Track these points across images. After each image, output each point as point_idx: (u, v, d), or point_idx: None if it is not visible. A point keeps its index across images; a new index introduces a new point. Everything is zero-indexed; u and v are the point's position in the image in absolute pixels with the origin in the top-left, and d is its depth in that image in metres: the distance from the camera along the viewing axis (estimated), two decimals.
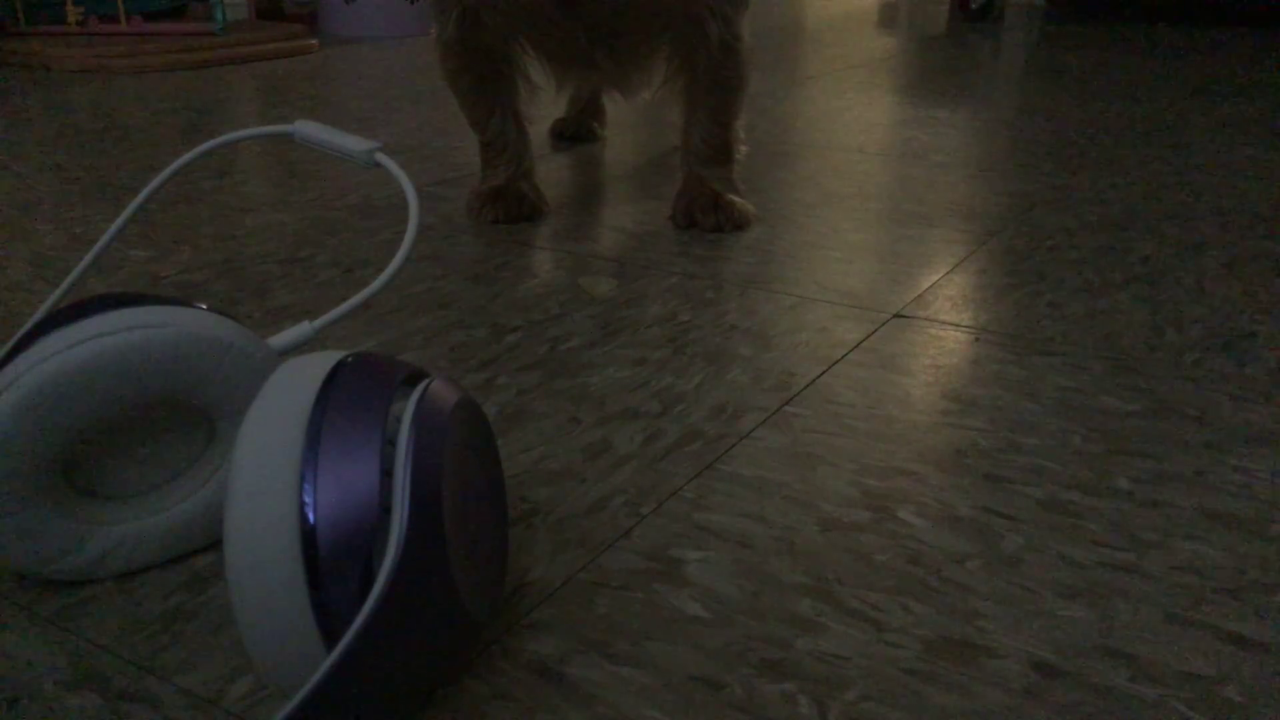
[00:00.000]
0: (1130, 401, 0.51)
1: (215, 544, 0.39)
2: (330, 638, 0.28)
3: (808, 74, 1.54)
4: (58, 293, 0.43)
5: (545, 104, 0.94)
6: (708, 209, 0.78)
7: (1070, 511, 0.42)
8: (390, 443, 0.31)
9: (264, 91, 1.40)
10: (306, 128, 0.45)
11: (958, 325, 0.61)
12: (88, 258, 0.43)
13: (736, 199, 0.80)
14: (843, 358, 0.56)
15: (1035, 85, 1.47)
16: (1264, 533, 0.40)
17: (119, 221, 0.44)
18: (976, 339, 0.59)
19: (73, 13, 1.64)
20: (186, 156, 0.45)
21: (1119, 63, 1.64)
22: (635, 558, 0.39)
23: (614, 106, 1.11)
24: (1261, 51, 1.75)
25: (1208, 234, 0.77)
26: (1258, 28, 2.02)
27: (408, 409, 0.31)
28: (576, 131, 1.09)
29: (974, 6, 2.18)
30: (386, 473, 0.30)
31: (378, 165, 0.44)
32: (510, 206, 0.80)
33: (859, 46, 1.86)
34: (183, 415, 0.38)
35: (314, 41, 1.73)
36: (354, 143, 0.44)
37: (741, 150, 0.84)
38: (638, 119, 1.16)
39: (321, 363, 0.33)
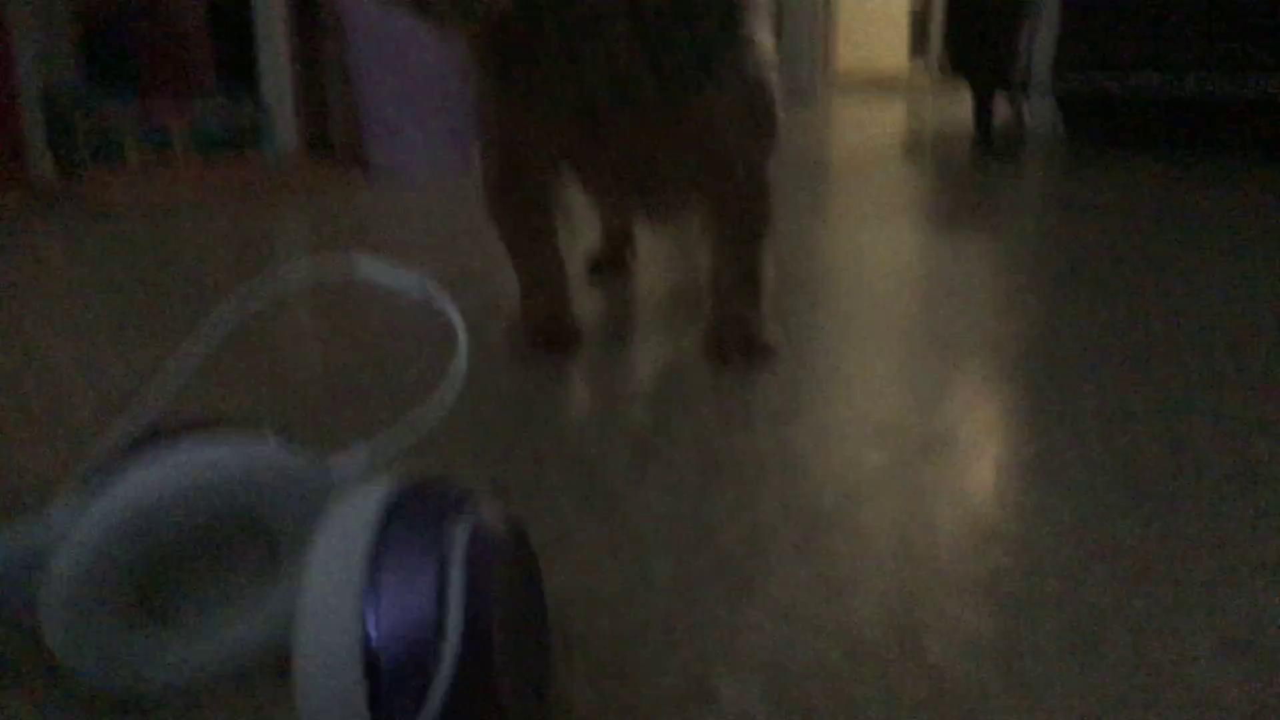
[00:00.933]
0: (1146, 531, 0.53)
1: (277, 665, 0.41)
2: None
3: (833, 206, 1.60)
4: (127, 421, 0.46)
5: (581, 237, 0.99)
6: (738, 342, 0.82)
7: (1091, 640, 0.43)
8: (445, 563, 0.33)
9: (314, 224, 1.46)
10: (364, 263, 0.49)
11: (980, 454, 0.63)
12: (151, 391, 0.47)
13: (765, 330, 0.83)
14: (869, 486, 0.58)
15: (1056, 216, 1.51)
16: (1278, 661, 0.42)
17: (180, 357, 0.48)
18: (1000, 468, 0.61)
19: (133, 151, 1.73)
20: (249, 293, 0.49)
21: (1140, 193, 1.69)
22: (672, 683, 0.40)
23: (647, 239, 1.16)
24: None
25: (1226, 364, 0.79)
26: None
27: (460, 530, 0.34)
28: (610, 264, 1.14)
29: (996, 139, 2.25)
30: (442, 593, 0.32)
31: (430, 300, 0.48)
32: (549, 336, 0.84)
33: (883, 179, 1.93)
34: (248, 538, 0.40)
35: (361, 176, 1.82)
36: (406, 278, 0.48)
37: (769, 283, 0.88)
38: (669, 253, 1.20)
39: (380, 488, 0.36)
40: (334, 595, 0.32)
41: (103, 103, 1.80)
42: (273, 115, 1.80)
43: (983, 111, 2.54)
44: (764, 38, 0.76)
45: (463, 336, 0.44)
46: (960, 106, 3.36)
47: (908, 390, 0.75)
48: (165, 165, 1.74)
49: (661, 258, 1.19)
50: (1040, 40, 2.30)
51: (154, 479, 0.37)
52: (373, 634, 0.32)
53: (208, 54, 2.16)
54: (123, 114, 1.75)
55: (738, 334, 0.82)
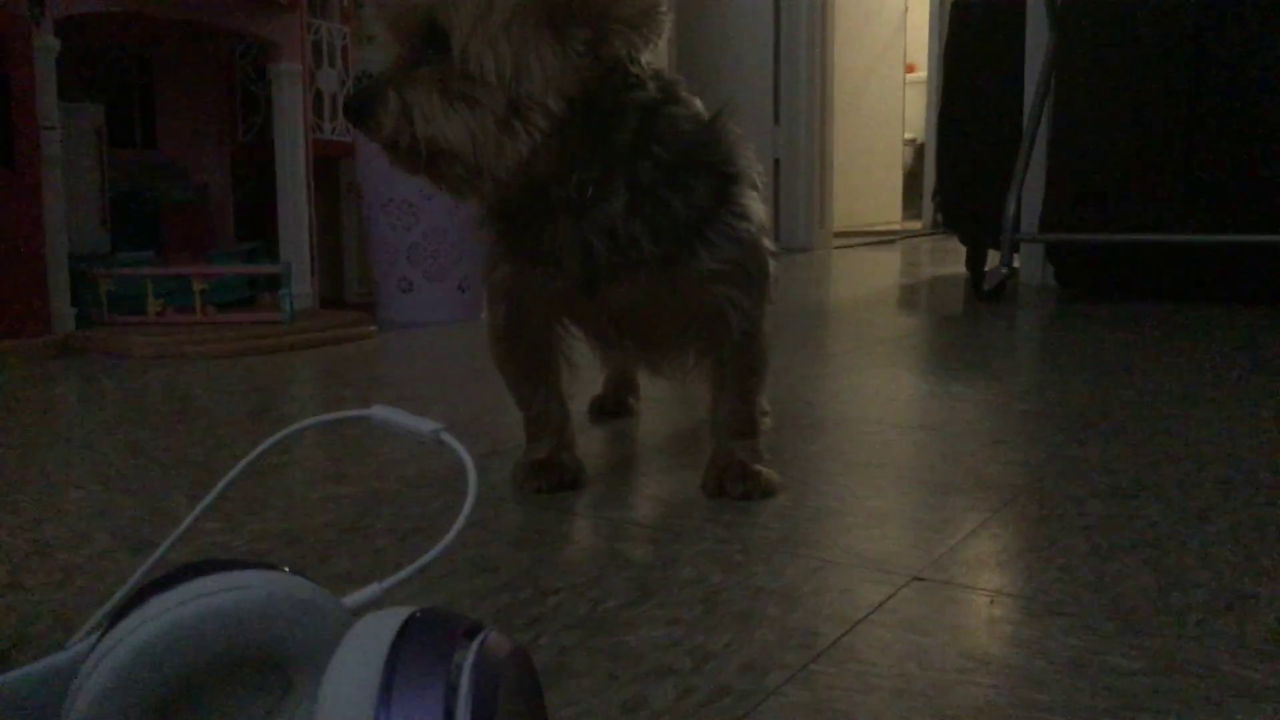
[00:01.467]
0: (1137, 660, 0.54)
1: None
2: None
3: (831, 351, 1.64)
4: (153, 558, 0.48)
5: (585, 382, 1.02)
6: (736, 479, 0.84)
7: None
8: (453, 689, 0.35)
9: (327, 374, 1.51)
10: (381, 412, 0.52)
11: (974, 588, 0.65)
12: (176, 532, 0.49)
13: (763, 469, 0.85)
14: (865, 618, 0.60)
15: (1047, 361, 1.55)
16: None
17: (206, 500, 0.50)
18: (991, 601, 0.62)
19: (152, 305, 1.79)
20: (274, 438, 0.52)
21: (1131, 339, 1.73)
22: None
23: (648, 383, 1.19)
24: (1273, 327, 1.84)
25: (1212, 502, 0.81)
26: (1271, 305, 2.12)
27: (468, 659, 0.36)
28: (613, 407, 1.17)
29: (988, 288, 2.31)
30: (450, 715, 0.34)
31: (442, 444, 0.50)
32: (553, 477, 0.87)
33: (880, 325, 1.98)
34: (263, 669, 0.42)
35: (373, 328, 1.88)
36: (421, 424, 0.51)
37: (766, 424, 0.91)
38: (670, 395, 1.24)
39: (393, 618, 0.38)
40: (348, 715, 0.34)
41: (125, 258, 1.87)
42: (289, 270, 1.87)
43: (975, 262, 2.62)
44: (755, 203, 0.81)
45: (473, 479, 0.47)
46: (952, 257, 3.46)
47: (903, 526, 0.77)
48: (183, 317, 1.80)
49: (663, 400, 1.22)
50: (1028, 195, 2.40)
51: (176, 610, 0.39)
52: None
53: (229, 212, 2.26)
54: (143, 268, 1.81)
55: (737, 472, 0.84)
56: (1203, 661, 0.54)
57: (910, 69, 5.72)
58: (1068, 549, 0.71)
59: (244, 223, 2.29)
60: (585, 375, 0.96)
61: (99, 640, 0.39)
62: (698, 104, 0.80)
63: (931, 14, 5.10)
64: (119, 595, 0.44)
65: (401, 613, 0.38)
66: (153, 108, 2.19)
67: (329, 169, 2.33)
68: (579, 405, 1.17)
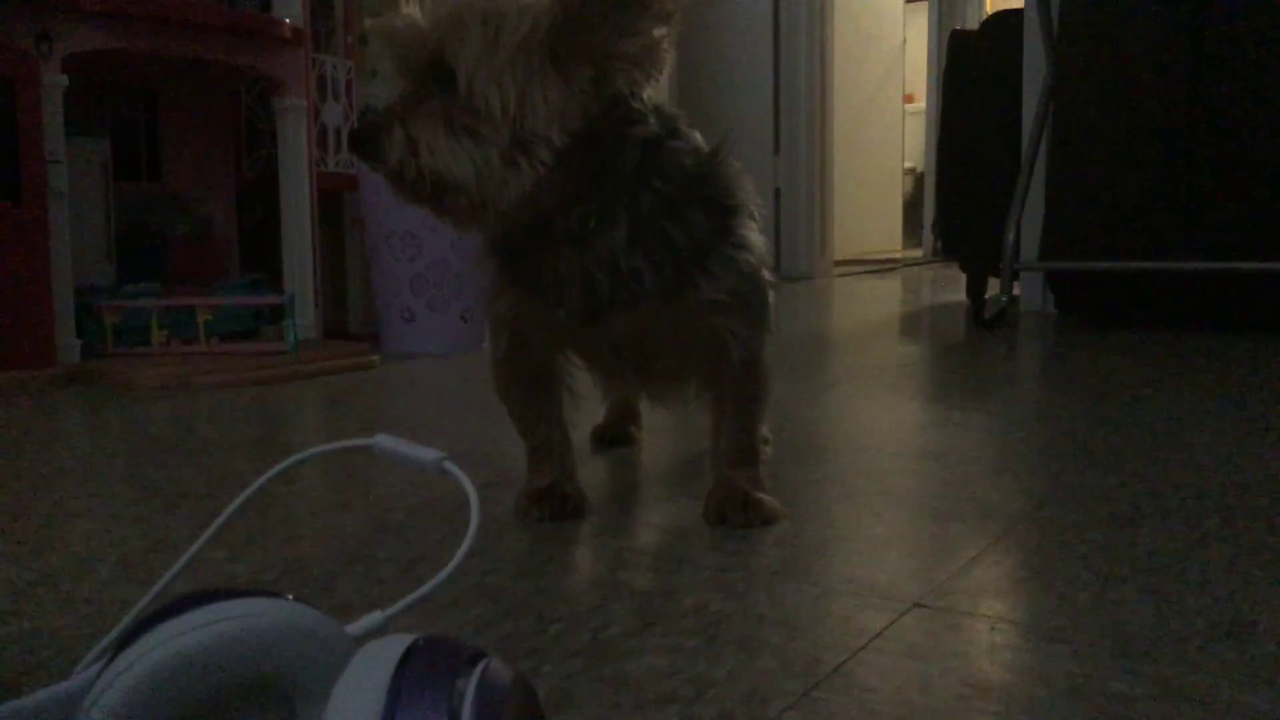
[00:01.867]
0: (1136, 686, 0.54)
1: None
2: None
3: (832, 379, 1.65)
4: (157, 588, 0.49)
5: (587, 411, 1.03)
6: (737, 507, 0.84)
7: None
8: (455, 716, 0.35)
9: (330, 404, 1.51)
10: (384, 441, 0.52)
11: (975, 615, 0.65)
12: (180, 562, 0.50)
13: (764, 497, 0.86)
14: (866, 645, 0.60)
15: (1048, 389, 1.56)
16: None
17: (211, 530, 0.51)
18: (992, 628, 0.63)
19: (157, 336, 1.80)
20: (279, 468, 0.53)
21: (1130, 368, 1.74)
22: None
23: (650, 412, 1.20)
24: (1272, 354, 1.85)
25: (1211, 529, 0.82)
26: (1272, 332, 2.13)
27: (470, 687, 0.36)
28: (615, 436, 1.17)
29: (989, 316, 2.32)
30: None
31: (445, 473, 0.51)
32: (555, 506, 0.87)
33: (882, 353, 1.99)
34: (267, 696, 0.42)
35: (375, 357, 1.88)
36: (424, 453, 0.52)
37: (767, 452, 0.91)
38: (671, 424, 1.24)
39: (396, 646, 0.38)
40: None
41: (130, 290, 1.89)
42: (293, 301, 1.88)
43: (975, 290, 2.63)
44: (754, 234, 0.82)
45: (475, 508, 0.47)
46: (953, 285, 3.47)
47: (904, 553, 0.77)
48: (188, 348, 1.81)
49: (665, 429, 1.23)
50: (1028, 223, 2.41)
51: (181, 638, 0.39)
52: None
53: (234, 244, 2.27)
54: (148, 299, 1.83)
55: (738, 500, 0.85)
56: (1203, 688, 0.54)
57: (909, 99, 5.77)
58: (1068, 576, 0.71)
59: (248, 255, 2.30)
60: (587, 404, 0.97)
61: (103, 669, 0.40)
62: (698, 138, 0.81)
63: (929, 45, 5.15)
64: (123, 624, 0.45)
65: (404, 640, 0.38)
66: (158, 142, 2.21)
67: (333, 202, 2.35)
68: (581, 434, 1.17)
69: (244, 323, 1.95)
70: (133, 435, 1.27)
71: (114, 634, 0.44)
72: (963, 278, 2.69)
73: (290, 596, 0.43)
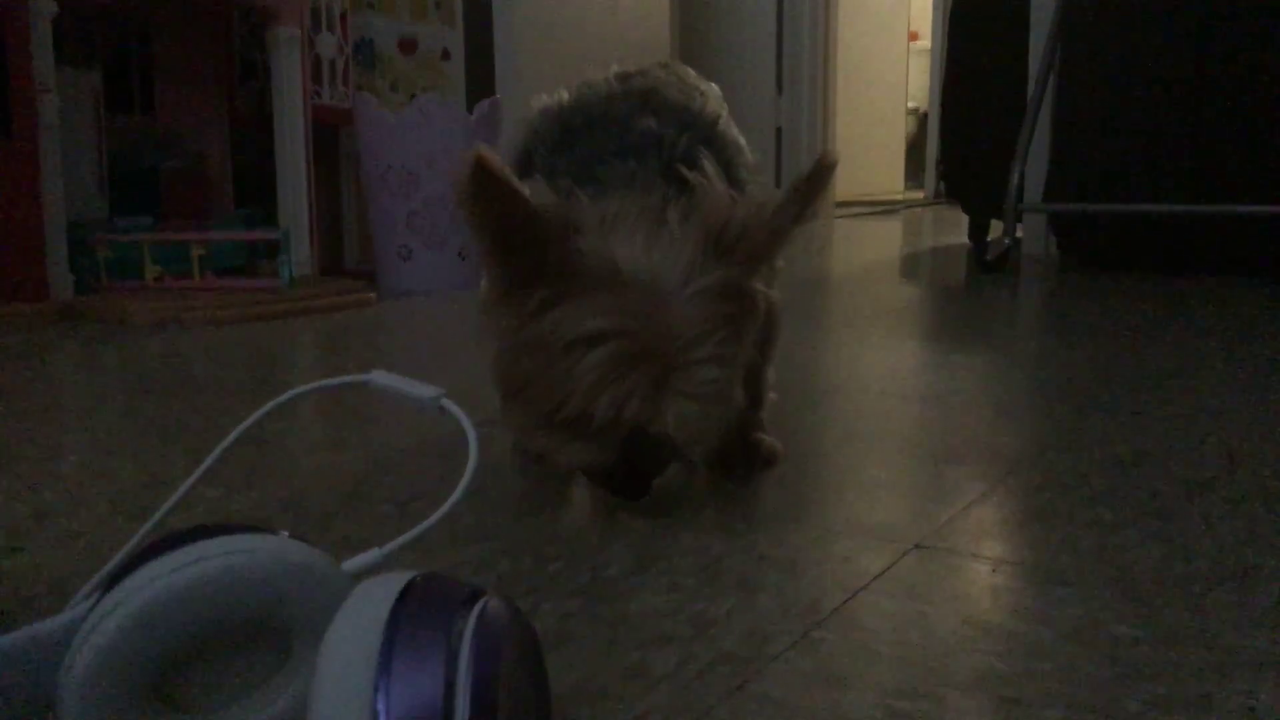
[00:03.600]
0: (1139, 629, 0.54)
1: None
2: None
3: (833, 322, 1.64)
4: (151, 522, 0.48)
5: None
6: (739, 447, 0.84)
7: None
8: (454, 655, 0.35)
9: (326, 341, 1.50)
10: (381, 377, 0.51)
11: (976, 556, 0.64)
12: (175, 496, 0.49)
13: (765, 438, 0.85)
14: (867, 586, 0.60)
15: (1050, 332, 1.54)
16: None
17: (205, 464, 0.50)
18: (994, 570, 0.62)
19: (150, 271, 1.79)
20: (273, 404, 0.52)
21: (1132, 311, 1.73)
22: None
23: None
24: (1275, 299, 1.84)
25: (1215, 473, 0.81)
26: (1275, 277, 2.11)
27: (469, 625, 0.36)
28: None
29: (991, 259, 2.30)
30: (450, 683, 0.34)
31: (443, 410, 0.50)
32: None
33: (882, 296, 1.97)
34: (263, 633, 0.42)
35: (372, 295, 1.87)
36: (422, 390, 0.51)
37: (771, 398, 0.90)
38: None
39: (393, 583, 0.37)
40: (346, 684, 0.34)
41: (123, 225, 1.86)
42: (288, 237, 1.86)
43: (977, 233, 2.61)
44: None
45: (474, 446, 0.46)
46: (954, 227, 3.45)
47: (904, 495, 0.77)
48: (182, 283, 1.79)
49: None
50: (1032, 165, 2.38)
51: (171, 576, 0.39)
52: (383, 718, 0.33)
53: (228, 179, 2.24)
54: (142, 234, 1.80)
55: (740, 442, 0.84)
56: (1205, 631, 0.54)
57: (913, 37, 5.68)
58: (1071, 519, 0.71)
59: (242, 190, 2.27)
60: None
61: (96, 604, 0.39)
62: None
63: None
64: (115, 560, 0.44)
65: (401, 578, 0.38)
66: (151, 74, 2.17)
67: (328, 136, 2.32)
68: None
69: (238, 258, 1.93)
70: (127, 371, 1.26)
71: (106, 570, 0.44)
72: (965, 220, 2.66)
73: (285, 533, 0.43)
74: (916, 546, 0.66)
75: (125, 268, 1.78)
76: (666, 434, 0.67)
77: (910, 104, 5.73)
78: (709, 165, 0.71)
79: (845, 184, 4.59)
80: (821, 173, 0.68)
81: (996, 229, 2.44)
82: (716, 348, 0.66)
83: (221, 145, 2.23)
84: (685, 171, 0.71)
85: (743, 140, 0.82)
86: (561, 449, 0.69)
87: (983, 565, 0.63)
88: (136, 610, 0.37)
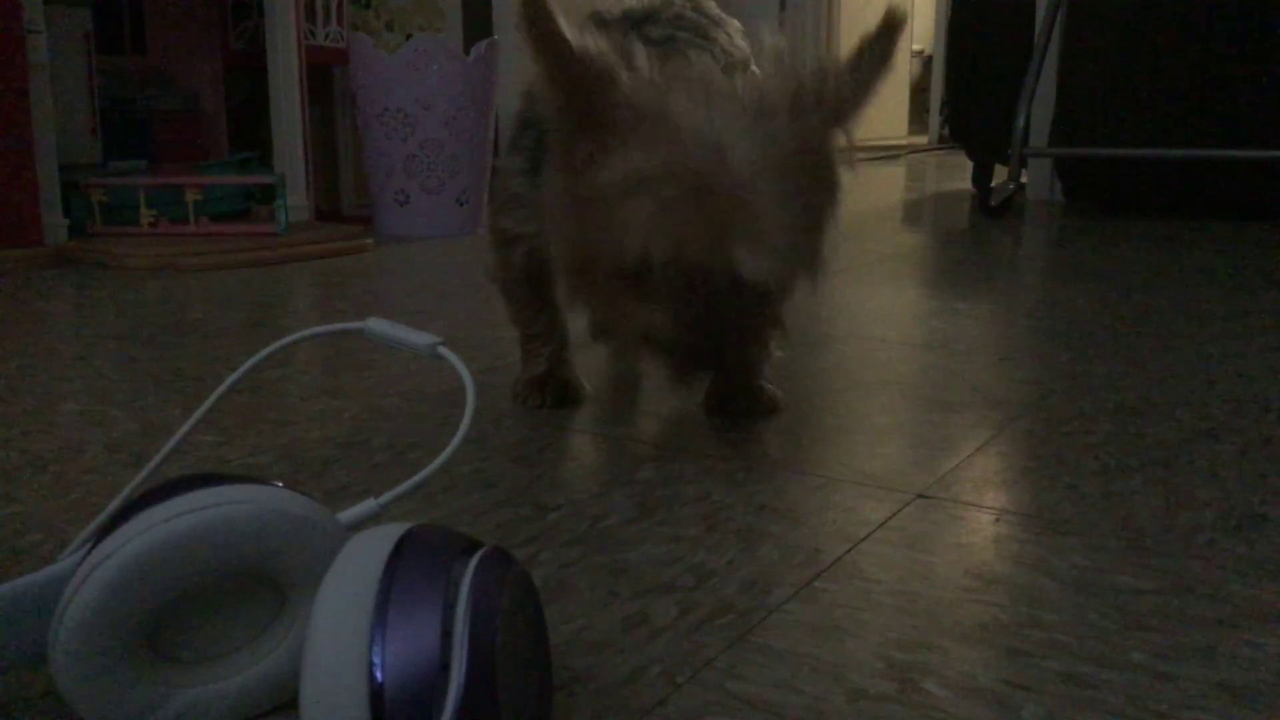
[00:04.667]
0: (1144, 579, 0.53)
1: (283, 706, 0.42)
2: None
3: (834, 268, 1.62)
4: (145, 471, 0.47)
5: None
6: (741, 396, 0.83)
7: (1087, 684, 0.44)
8: (450, 606, 0.34)
9: (323, 287, 1.49)
10: (376, 325, 0.50)
11: (979, 506, 0.64)
12: (169, 444, 0.48)
13: (767, 385, 0.84)
14: (869, 536, 0.59)
15: (1054, 278, 1.53)
16: (1274, 705, 0.42)
17: (199, 412, 0.49)
18: (997, 519, 0.62)
19: (145, 215, 1.76)
20: (266, 351, 0.51)
21: (1137, 257, 1.71)
22: None
23: None
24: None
25: (1221, 421, 0.80)
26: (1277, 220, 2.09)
27: (466, 576, 0.35)
28: None
29: (995, 204, 2.28)
30: (447, 633, 0.33)
31: (440, 358, 0.49)
32: (553, 393, 0.85)
33: (885, 242, 1.95)
34: (257, 584, 0.41)
35: (369, 241, 1.85)
36: (418, 337, 0.49)
37: (776, 353, 0.88)
38: None
39: (389, 534, 0.37)
40: (341, 635, 0.33)
41: (117, 168, 1.84)
42: (284, 182, 1.83)
43: (982, 178, 2.58)
44: None
45: (471, 393, 0.45)
46: (959, 172, 3.41)
47: (907, 443, 0.76)
48: (177, 228, 1.77)
49: None
50: (1037, 109, 2.35)
51: (162, 527, 0.38)
52: (379, 673, 0.32)
53: (221, 121, 2.21)
54: (136, 178, 1.78)
55: (742, 390, 0.83)
56: (1212, 582, 0.53)
57: None
58: (1075, 467, 0.70)
59: (237, 133, 2.24)
60: None
61: (87, 555, 0.38)
62: None
63: None
64: (110, 509, 0.43)
65: (398, 529, 0.37)
66: (142, 13, 2.13)
67: (323, 77, 2.28)
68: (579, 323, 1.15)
69: (234, 203, 1.91)
70: (123, 317, 1.25)
71: (100, 519, 0.43)
72: (969, 165, 2.63)
73: (280, 483, 0.42)
74: (919, 496, 0.65)
75: (119, 212, 1.76)
76: (735, 280, 0.62)
77: (914, 47, 5.64)
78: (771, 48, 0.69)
79: None
80: (892, 26, 0.65)
81: (1001, 174, 2.41)
82: (785, 194, 0.62)
83: (215, 86, 2.20)
84: (747, 51, 0.69)
85: None
86: (625, 314, 0.65)
87: (985, 515, 0.62)
88: (126, 562, 0.37)
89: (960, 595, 0.52)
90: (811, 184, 0.65)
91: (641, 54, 0.64)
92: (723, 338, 0.66)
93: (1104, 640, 0.47)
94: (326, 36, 2.19)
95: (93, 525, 0.44)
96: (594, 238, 0.64)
